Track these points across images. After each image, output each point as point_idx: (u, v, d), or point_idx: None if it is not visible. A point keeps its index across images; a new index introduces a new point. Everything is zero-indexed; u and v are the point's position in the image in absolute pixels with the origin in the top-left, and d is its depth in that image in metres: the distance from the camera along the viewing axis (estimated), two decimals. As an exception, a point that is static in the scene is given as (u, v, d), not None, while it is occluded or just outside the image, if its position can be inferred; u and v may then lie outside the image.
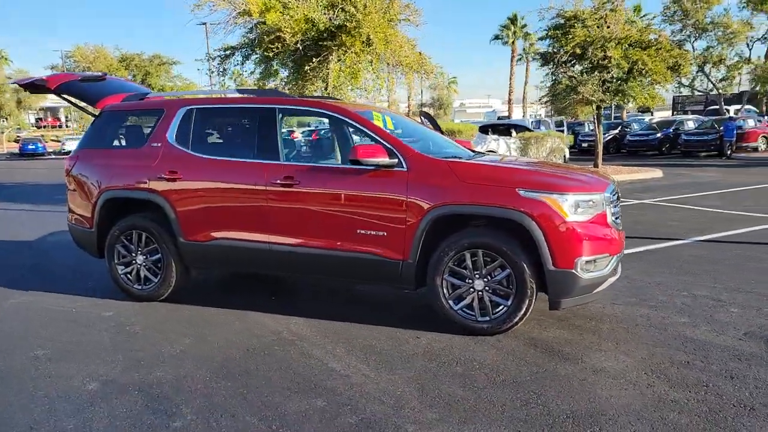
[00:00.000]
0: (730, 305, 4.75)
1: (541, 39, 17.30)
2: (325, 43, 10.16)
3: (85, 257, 5.80)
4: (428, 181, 4.21)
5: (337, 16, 10.33)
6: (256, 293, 5.49)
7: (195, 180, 4.88)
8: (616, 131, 28.66)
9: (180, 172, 4.89)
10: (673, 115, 37.23)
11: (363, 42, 9.80)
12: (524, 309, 4.06)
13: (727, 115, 27.22)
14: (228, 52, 11.69)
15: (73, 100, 5.76)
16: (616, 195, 4.49)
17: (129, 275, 5.24)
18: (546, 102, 17.91)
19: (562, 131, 26.58)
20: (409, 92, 44.75)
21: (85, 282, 5.96)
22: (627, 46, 15.30)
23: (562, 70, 15.55)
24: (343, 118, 4.69)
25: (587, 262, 3.99)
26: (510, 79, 47.55)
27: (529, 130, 18.83)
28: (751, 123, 25.21)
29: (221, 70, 11.86)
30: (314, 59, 10.08)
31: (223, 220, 4.81)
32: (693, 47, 28.65)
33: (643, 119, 33.70)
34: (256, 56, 11.60)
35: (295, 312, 4.82)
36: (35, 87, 5.70)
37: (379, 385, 3.44)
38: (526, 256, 4.01)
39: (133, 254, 5.19)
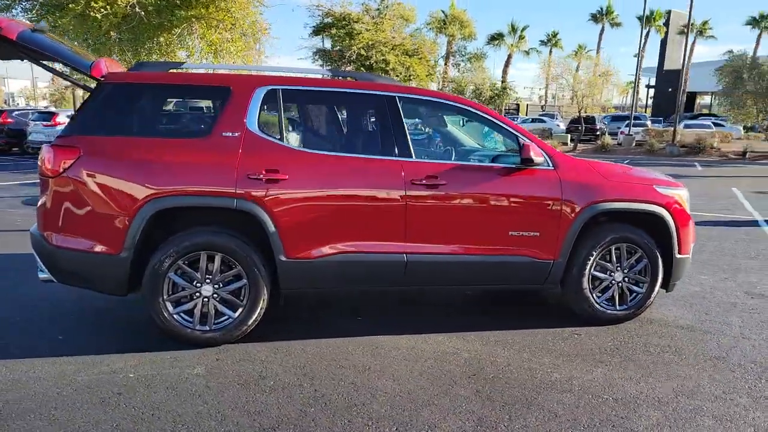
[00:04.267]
0: (698, 275, 6.08)
1: (314, 34, 17.61)
2: (179, 12, 8.53)
3: None
4: (578, 179, 4.29)
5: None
6: (328, 315, 4.57)
7: (307, 182, 3.83)
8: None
9: (283, 172, 3.78)
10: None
11: (233, 18, 8.58)
12: (654, 295, 4.53)
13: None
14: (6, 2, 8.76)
15: (47, 62, 3.76)
16: None
17: (187, 314, 3.79)
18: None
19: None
20: None
21: (43, 334, 4.00)
22: (399, 53, 16.82)
23: (349, 70, 16.16)
24: (478, 113, 4.33)
25: (692, 247, 4.68)
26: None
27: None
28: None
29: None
30: (175, 30, 8.33)
31: (344, 231, 3.92)
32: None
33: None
34: (46, 10, 9.03)
35: (415, 329, 4.27)
36: None
37: (656, 388, 3.45)
38: (658, 246, 4.48)
39: (197, 284, 3.77)
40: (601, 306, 4.43)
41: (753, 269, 6.35)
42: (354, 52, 15.80)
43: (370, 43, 16.07)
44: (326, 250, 3.90)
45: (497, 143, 5.72)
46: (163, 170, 3.65)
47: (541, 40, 53.19)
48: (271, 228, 3.77)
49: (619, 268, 4.43)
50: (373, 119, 4.11)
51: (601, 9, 51.62)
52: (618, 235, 4.37)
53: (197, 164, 3.70)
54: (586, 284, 4.36)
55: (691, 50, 46.67)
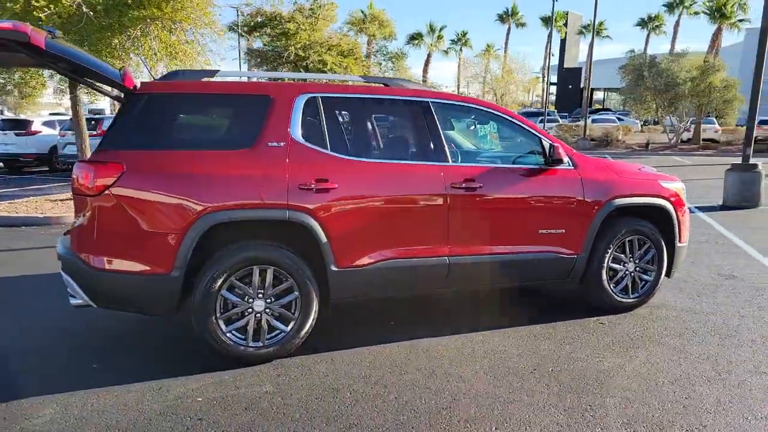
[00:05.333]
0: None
1: (247, 34, 17.18)
2: (132, 12, 8.08)
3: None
4: (596, 177, 4.54)
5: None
6: (362, 322, 4.55)
7: (355, 190, 3.81)
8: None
9: (333, 180, 3.74)
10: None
11: (190, 19, 8.24)
12: (659, 282, 4.89)
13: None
14: None
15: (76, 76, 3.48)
16: None
17: (239, 331, 3.66)
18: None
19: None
20: None
21: (73, 365, 3.72)
22: (335, 53, 16.79)
23: (286, 70, 15.93)
24: (505, 116, 4.47)
25: (688, 236, 5.10)
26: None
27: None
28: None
29: None
30: (129, 31, 7.85)
31: (390, 237, 3.94)
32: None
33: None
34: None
35: (450, 330, 4.36)
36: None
37: (698, 368, 3.76)
38: (662, 237, 4.84)
39: (249, 300, 3.65)
40: (617, 296, 4.72)
41: (711, 252, 6.97)
42: (291, 52, 15.58)
43: (306, 43, 15.91)
44: (374, 257, 3.90)
45: (493, 144, 5.93)
46: (214, 183, 3.50)
47: (451, 40, 54.65)
48: (323, 238, 3.72)
49: (631, 259, 4.75)
50: (410, 125, 4.15)
51: (507, 10, 53.99)
52: (631, 228, 4.68)
53: (247, 176, 3.58)
54: (604, 276, 4.64)
55: (590, 48, 50.19)
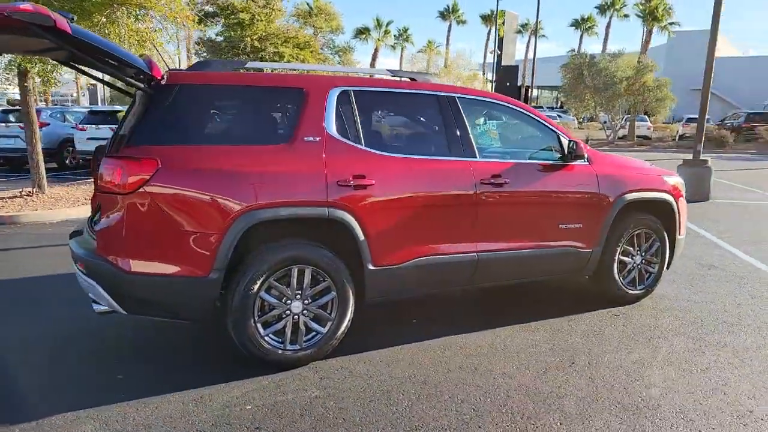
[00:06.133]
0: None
1: (198, 23, 16.55)
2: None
3: None
4: (609, 172, 4.65)
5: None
6: (381, 322, 4.45)
7: (391, 186, 3.73)
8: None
9: (370, 177, 3.64)
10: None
11: (161, 6, 7.83)
12: (662, 273, 5.07)
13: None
14: None
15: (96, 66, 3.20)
16: None
17: (277, 335, 3.51)
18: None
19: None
20: None
21: (95, 376, 3.46)
22: (292, 46, 16.49)
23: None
24: (524, 112, 4.49)
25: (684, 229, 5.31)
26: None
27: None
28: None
29: None
30: (96, 16, 7.35)
31: (423, 234, 3.89)
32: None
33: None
34: None
35: (473, 326, 4.35)
36: (13, 29, 2.92)
37: (721, 356, 3.93)
38: (665, 230, 5.01)
39: (287, 301, 3.50)
40: (627, 288, 4.86)
41: (685, 243, 7.29)
42: (248, 44, 15.14)
43: (263, 35, 15.51)
44: (408, 254, 3.84)
45: (492, 141, 5.97)
46: (253, 180, 3.33)
47: (394, 35, 54.72)
48: (361, 236, 3.62)
49: (638, 252, 4.90)
50: (439, 120, 4.07)
51: (448, 7, 54.67)
52: (639, 221, 4.82)
53: (286, 173, 3.43)
54: (615, 269, 4.76)
55: (533, 47, 51.98)
